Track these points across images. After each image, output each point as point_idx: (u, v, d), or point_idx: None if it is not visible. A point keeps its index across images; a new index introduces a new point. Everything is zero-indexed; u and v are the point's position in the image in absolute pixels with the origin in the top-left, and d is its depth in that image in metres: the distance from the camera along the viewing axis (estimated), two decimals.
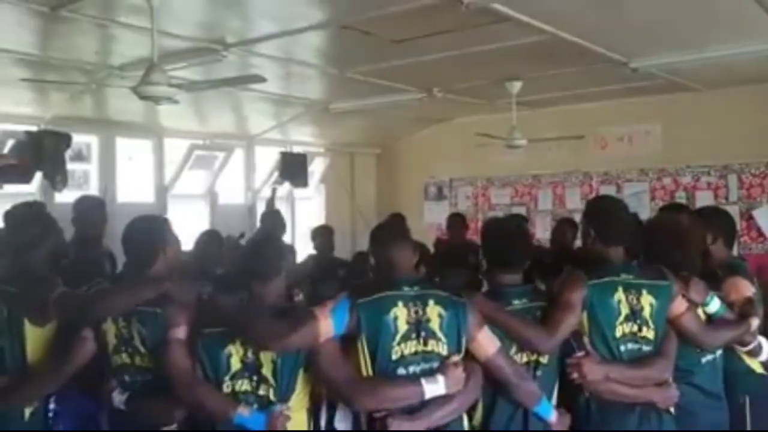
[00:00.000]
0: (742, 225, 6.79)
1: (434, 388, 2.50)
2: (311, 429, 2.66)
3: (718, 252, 3.31)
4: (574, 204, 7.83)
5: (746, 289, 3.13)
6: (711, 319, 3.02)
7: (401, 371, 2.53)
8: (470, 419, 2.72)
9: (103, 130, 6.81)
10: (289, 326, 2.50)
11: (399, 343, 2.53)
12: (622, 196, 6.84)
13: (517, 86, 6.18)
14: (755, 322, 3.05)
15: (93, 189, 6.68)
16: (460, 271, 3.99)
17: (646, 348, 2.83)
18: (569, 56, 5.26)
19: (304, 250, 6.03)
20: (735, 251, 4.23)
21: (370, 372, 2.52)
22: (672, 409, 2.86)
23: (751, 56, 5.15)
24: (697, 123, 7.00)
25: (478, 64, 5.53)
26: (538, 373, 2.77)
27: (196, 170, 7.71)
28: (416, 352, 2.55)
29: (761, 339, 3.13)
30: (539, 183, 8.28)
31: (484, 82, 6.26)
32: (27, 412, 2.71)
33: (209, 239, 4.75)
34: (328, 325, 2.50)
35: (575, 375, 2.75)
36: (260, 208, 7.63)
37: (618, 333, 2.80)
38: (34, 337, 2.73)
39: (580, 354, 2.78)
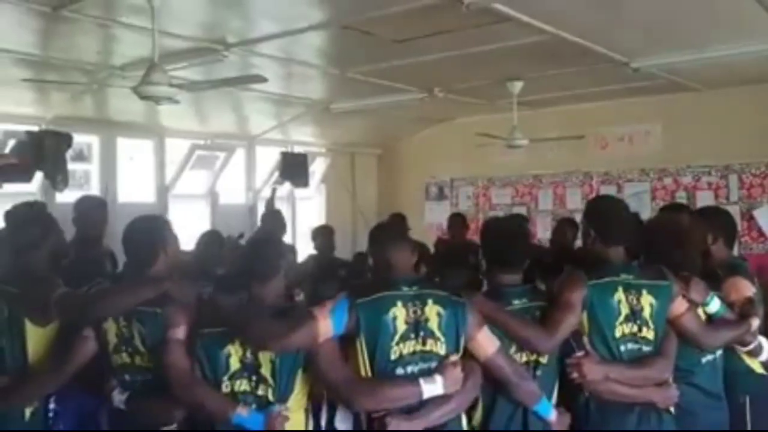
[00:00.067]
0: (742, 225, 6.79)
1: (432, 388, 2.50)
2: (310, 429, 2.66)
3: (718, 252, 3.31)
4: (575, 204, 7.83)
5: (747, 289, 3.13)
6: (711, 319, 3.02)
7: (400, 371, 2.53)
8: (470, 419, 2.72)
9: (104, 130, 6.82)
10: (288, 326, 2.51)
11: (398, 343, 2.53)
12: (622, 196, 6.84)
13: (517, 86, 6.18)
14: (755, 322, 3.05)
15: (94, 189, 6.69)
16: (461, 271, 4.00)
17: (646, 348, 2.83)
18: (570, 56, 5.26)
19: (305, 250, 6.04)
20: (735, 251, 4.22)
21: (369, 372, 2.53)
22: (672, 409, 2.86)
23: (752, 56, 5.15)
24: (698, 123, 7.00)
25: (478, 64, 5.53)
26: (538, 372, 2.77)
27: (196, 170, 7.72)
28: (415, 352, 2.55)
29: (761, 339, 3.13)
30: (540, 183, 8.28)
31: (484, 82, 6.26)
32: (27, 411, 2.71)
33: (210, 239, 4.75)
34: (327, 325, 2.50)
35: (575, 375, 2.75)
36: (261, 208, 7.64)
37: (618, 333, 2.80)
38: (36, 337, 2.74)
39: (579, 354, 2.78)
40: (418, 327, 2.56)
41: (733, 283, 3.13)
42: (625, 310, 2.81)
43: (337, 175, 9.13)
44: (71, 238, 3.92)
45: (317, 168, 9.01)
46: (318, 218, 8.71)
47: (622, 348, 2.80)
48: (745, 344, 3.09)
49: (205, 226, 6.67)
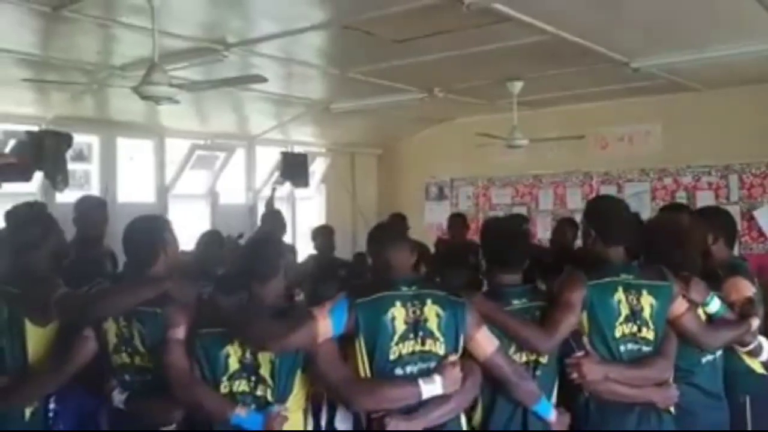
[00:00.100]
0: (742, 225, 6.79)
1: (431, 388, 2.50)
2: (309, 429, 2.66)
3: (718, 252, 3.31)
4: (575, 204, 7.83)
5: (747, 289, 3.13)
6: (711, 319, 3.02)
7: (399, 371, 2.53)
8: (470, 419, 2.72)
9: (104, 130, 6.82)
10: (287, 327, 2.51)
11: (397, 343, 2.53)
12: (622, 196, 6.85)
13: (518, 86, 6.18)
14: (755, 322, 3.05)
15: (94, 189, 6.69)
16: (461, 271, 3.99)
17: (645, 348, 2.83)
18: (570, 56, 5.26)
19: (305, 250, 6.04)
20: (736, 251, 4.22)
21: (368, 372, 2.53)
22: (672, 409, 2.86)
23: (752, 56, 5.15)
24: (698, 123, 7.00)
25: (479, 64, 5.53)
26: (538, 372, 2.77)
27: (197, 170, 7.72)
28: (414, 352, 2.55)
29: (761, 339, 3.13)
30: (540, 183, 8.28)
31: (485, 82, 6.26)
32: (27, 411, 2.71)
33: (210, 239, 4.75)
34: (326, 325, 2.50)
35: (575, 375, 2.75)
36: (261, 208, 7.64)
37: (618, 333, 2.80)
38: (36, 337, 2.74)
39: (579, 354, 2.78)
40: (417, 327, 2.56)
41: (734, 283, 3.13)
42: (625, 311, 2.80)
43: (337, 175, 9.13)
44: (71, 238, 3.92)
45: (317, 168, 9.02)
46: (318, 218, 8.71)
47: (622, 348, 2.80)
48: (745, 344, 3.09)
49: (205, 226, 6.67)
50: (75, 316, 2.73)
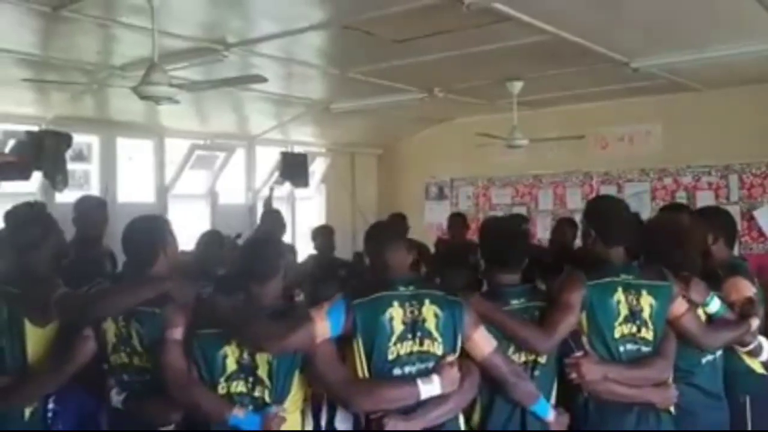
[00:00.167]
0: (743, 225, 6.79)
1: (430, 388, 2.50)
2: (308, 429, 2.66)
3: (718, 252, 3.30)
4: (575, 204, 7.83)
5: (747, 289, 3.13)
6: (711, 320, 3.02)
7: (397, 372, 2.53)
8: (468, 419, 2.72)
9: (103, 130, 6.82)
10: (285, 328, 2.50)
11: (395, 344, 2.53)
12: (623, 196, 6.85)
13: (518, 86, 6.18)
14: (755, 323, 3.05)
15: (94, 189, 6.70)
16: (461, 271, 3.98)
17: (645, 349, 2.82)
18: (570, 56, 5.26)
19: (305, 250, 6.04)
20: (736, 251, 4.22)
21: (366, 373, 2.52)
22: (672, 409, 2.86)
23: (752, 56, 5.15)
24: (698, 123, 7.00)
25: (479, 64, 5.53)
26: (536, 372, 2.77)
27: (196, 170, 7.72)
28: (412, 353, 2.55)
29: (761, 339, 3.13)
30: (540, 183, 8.28)
31: (485, 82, 6.26)
32: (27, 411, 2.71)
33: (210, 239, 4.74)
34: (324, 326, 2.50)
35: (573, 375, 2.75)
36: (261, 208, 7.64)
37: (617, 334, 2.80)
38: (35, 337, 2.74)
39: (578, 354, 2.78)
40: (415, 327, 2.56)
41: (734, 283, 3.13)
42: (624, 311, 2.80)
43: (337, 175, 9.13)
44: (71, 238, 3.92)
45: (317, 168, 9.02)
46: (318, 218, 8.71)
47: (621, 348, 2.80)
48: (745, 344, 3.09)
49: (205, 226, 6.66)
50: (75, 316, 2.73)
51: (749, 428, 3.08)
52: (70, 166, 6.22)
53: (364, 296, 2.55)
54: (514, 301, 2.80)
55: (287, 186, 8.36)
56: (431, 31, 4.54)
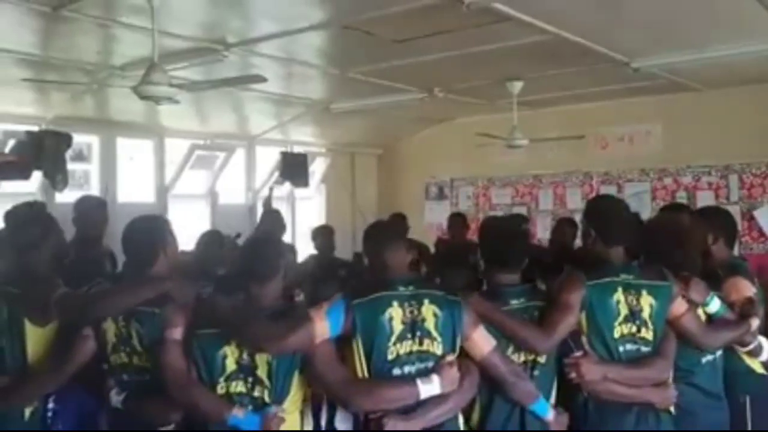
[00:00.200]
0: (743, 225, 6.79)
1: (429, 388, 2.50)
2: (307, 429, 2.66)
3: (719, 252, 3.31)
4: (575, 204, 7.83)
5: (747, 289, 3.13)
6: (711, 320, 3.02)
7: (396, 371, 2.53)
8: (467, 419, 2.72)
9: (103, 130, 6.82)
10: (285, 328, 2.50)
11: (394, 344, 2.53)
12: (623, 196, 6.85)
13: (518, 86, 6.18)
14: (755, 323, 3.05)
15: (94, 189, 6.69)
16: (461, 271, 3.99)
17: (644, 349, 2.82)
18: (570, 56, 5.26)
19: (305, 250, 6.04)
20: (736, 251, 4.22)
21: (366, 373, 2.53)
22: (672, 409, 2.86)
23: (752, 56, 5.15)
24: (698, 123, 7.00)
25: (479, 64, 5.53)
26: (536, 372, 2.77)
27: (196, 170, 7.72)
28: (411, 352, 2.55)
29: (761, 339, 3.13)
30: (540, 183, 8.28)
31: (485, 82, 6.26)
32: (27, 411, 2.71)
33: (210, 239, 4.74)
34: (323, 326, 2.50)
35: (573, 375, 2.75)
36: (260, 208, 7.64)
37: (617, 334, 2.80)
38: (35, 337, 2.74)
39: (578, 354, 2.78)
40: (414, 327, 2.56)
41: (734, 283, 3.13)
42: (624, 311, 2.80)
43: (337, 175, 9.13)
44: (71, 238, 3.92)
45: (317, 168, 9.01)
46: (318, 218, 8.71)
47: (621, 348, 2.80)
48: (745, 344, 3.09)
49: (205, 226, 6.67)
50: (75, 316, 2.73)
51: (749, 428, 3.08)
52: (70, 166, 6.22)
53: (364, 296, 2.55)
54: (514, 301, 2.80)
55: (287, 186, 8.36)
56: (431, 31, 4.54)
